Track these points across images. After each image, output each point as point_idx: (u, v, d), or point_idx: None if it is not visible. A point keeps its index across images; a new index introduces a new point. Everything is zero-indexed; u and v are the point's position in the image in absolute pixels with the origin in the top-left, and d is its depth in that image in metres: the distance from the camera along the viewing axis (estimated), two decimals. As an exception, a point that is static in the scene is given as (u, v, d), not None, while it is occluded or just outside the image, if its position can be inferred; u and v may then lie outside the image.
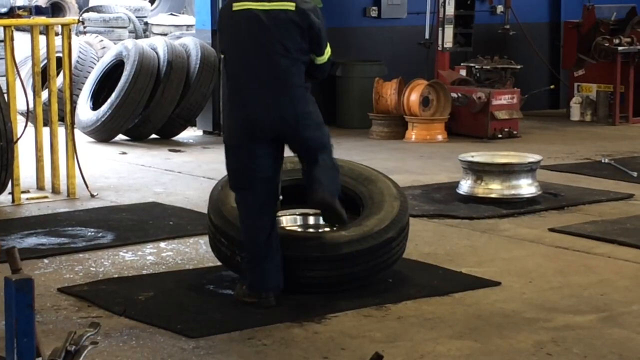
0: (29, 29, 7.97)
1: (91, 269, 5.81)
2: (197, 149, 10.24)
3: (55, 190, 7.87)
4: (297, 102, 5.15)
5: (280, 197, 5.33)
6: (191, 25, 13.70)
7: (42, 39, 7.94)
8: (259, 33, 5.12)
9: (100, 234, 6.56)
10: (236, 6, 5.18)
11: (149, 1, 16.61)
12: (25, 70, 10.43)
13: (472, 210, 7.19)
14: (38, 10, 8.01)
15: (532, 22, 12.82)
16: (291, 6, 5.11)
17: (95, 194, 7.81)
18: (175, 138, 10.80)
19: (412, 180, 8.36)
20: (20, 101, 8.25)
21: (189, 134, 11.12)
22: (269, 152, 5.16)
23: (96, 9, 14.74)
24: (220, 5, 10.93)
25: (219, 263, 5.60)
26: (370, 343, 4.58)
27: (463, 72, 11.30)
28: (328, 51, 5.32)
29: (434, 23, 11.41)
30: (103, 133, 10.46)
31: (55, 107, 7.83)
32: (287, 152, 5.29)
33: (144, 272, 5.77)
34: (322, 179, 5.16)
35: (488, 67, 11.03)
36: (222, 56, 5.69)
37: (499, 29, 12.01)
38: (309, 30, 5.14)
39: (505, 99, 10.78)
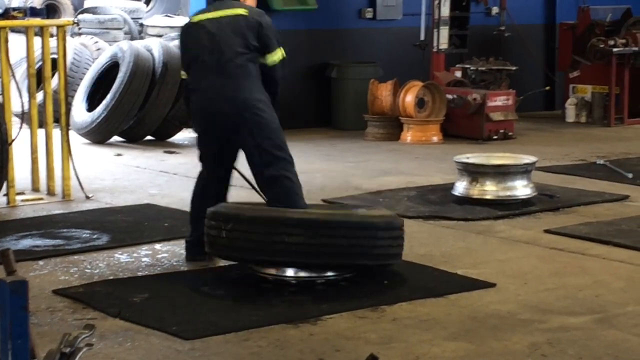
0: (24, 31, 7.96)
1: (86, 270, 5.81)
2: (192, 151, 10.21)
3: (50, 192, 7.86)
4: (250, 91, 5.78)
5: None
6: (186, 27, 13.68)
7: (37, 41, 7.94)
8: (216, 36, 5.85)
9: (96, 236, 6.55)
10: (196, 19, 6.01)
11: (144, 2, 16.60)
12: (20, 71, 10.43)
13: (467, 212, 7.19)
14: (33, 12, 7.96)
15: (527, 24, 12.84)
16: (244, 12, 5.90)
17: (90, 195, 7.81)
18: (170, 139, 10.79)
19: (407, 182, 8.36)
20: (15, 103, 8.24)
21: (184, 135, 11.10)
22: (222, 138, 5.82)
23: (91, 11, 14.74)
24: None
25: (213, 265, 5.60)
26: (365, 344, 4.58)
27: (458, 74, 11.31)
28: (280, 52, 5.92)
29: (429, 24, 11.42)
30: (98, 135, 10.46)
31: (50, 108, 7.82)
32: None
33: (139, 273, 5.76)
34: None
35: (483, 68, 11.04)
36: (183, 74, 5.99)
37: (494, 31, 12.03)
38: (259, 29, 5.85)
39: (500, 101, 10.79)
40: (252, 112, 5.74)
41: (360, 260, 5.36)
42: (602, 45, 11.86)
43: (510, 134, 10.84)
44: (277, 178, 5.73)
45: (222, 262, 5.78)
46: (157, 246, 6.34)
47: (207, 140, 5.94)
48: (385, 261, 5.50)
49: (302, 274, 5.45)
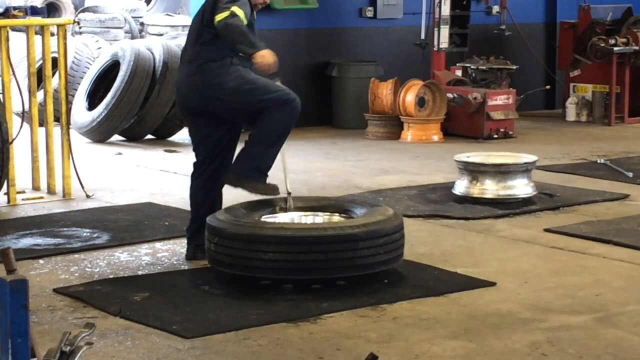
0: (25, 30, 7.96)
1: (87, 269, 5.81)
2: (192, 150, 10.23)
3: (50, 191, 7.86)
4: (208, 74, 5.80)
5: None
6: (187, 26, 13.69)
7: (37, 40, 7.94)
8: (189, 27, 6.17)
9: (96, 235, 6.56)
10: None
11: (145, 1, 16.60)
12: (21, 70, 10.43)
13: (467, 211, 7.19)
14: (33, 11, 7.96)
15: (528, 23, 12.83)
16: None
17: (90, 194, 7.81)
18: (170, 139, 10.80)
19: (407, 181, 8.36)
20: (16, 102, 8.24)
21: (185, 134, 11.08)
22: (201, 123, 5.93)
23: (92, 10, 14.74)
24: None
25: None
26: (365, 343, 4.58)
27: (459, 73, 11.31)
28: (227, 12, 5.66)
29: (430, 23, 11.42)
30: (99, 133, 10.46)
31: (50, 107, 7.82)
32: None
33: (140, 272, 5.77)
34: (239, 156, 5.88)
35: (484, 67, 11.04)
36: None
37: (494, 30, 12.02)
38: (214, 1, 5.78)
39: (500, 100, 10.78)
40: (217, 98, 5.81)
41: (341, 273, 5.34)
42: (602, 44, 11.86)
43: (510, 133, 10.84)
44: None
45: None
46: (158, 245, 6.34)
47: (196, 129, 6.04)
48: (372, 270, 5.42)
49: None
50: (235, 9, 5.74)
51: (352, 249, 5.30)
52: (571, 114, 12.20)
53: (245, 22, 5.85)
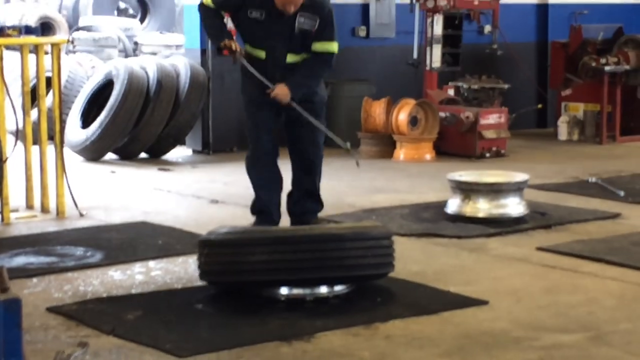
0: (19, 48, 7.98)
1: (80, 288, 5.81)
2: (186, 168, 10.25)
3: (44, 209, 7.86)
4: None
5: None
6: (181, 45, 13.71)
7: (31, 58, 7.95)
8: None
9: (89, 253, 6.56)
10: None
11: (139, 20, 16.62)
12: (15, 89, 10.43)
13: (460, 229, 7.21)
14: (28, 30, 7.98)
15: (520, 42, 12.89)
16: None
17: (84, 213, 7.81)
18: (164, 157, 10.81)
19: (400, 199, 8.38)
20: (10, 120, 8.24)
21: (179, 153, 11.13)
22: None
23: (86, 29, 14.75)
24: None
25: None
26: (358, 362, 4.59)
27: (451, 92, 11.35)
28: None
29: (422, 43, 11.47)
30: (92, 152, 10.47)
31: (44, 126, 7.83)
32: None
33: (133, 291, 5.77)
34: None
35: (476, 86, 11.08)
36: None
37: (486, 49, 12.07)
38: None
39: (493, 118, 10.82)
40: None
41: (329, 272, 5.37)
42: (594, 64, 11.92)
43: (502, 151, 10.87)
44: None
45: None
46: (151, 264, 6.34)
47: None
48: (362, 272, 5.45)
49: (294, 291, 5.47)
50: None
51: (340, 249, 5.32)
52: (563, 132, 12.24)
53: (210, 4, 6.35)
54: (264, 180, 6.86)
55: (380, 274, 5.56)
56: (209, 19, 6.61)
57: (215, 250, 5.42)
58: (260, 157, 6.85)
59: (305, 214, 6.75)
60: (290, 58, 6.52)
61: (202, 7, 6.63)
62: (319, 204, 6.95)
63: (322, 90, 6.80)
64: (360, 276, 5.48)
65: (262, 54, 6.61)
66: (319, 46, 6.41)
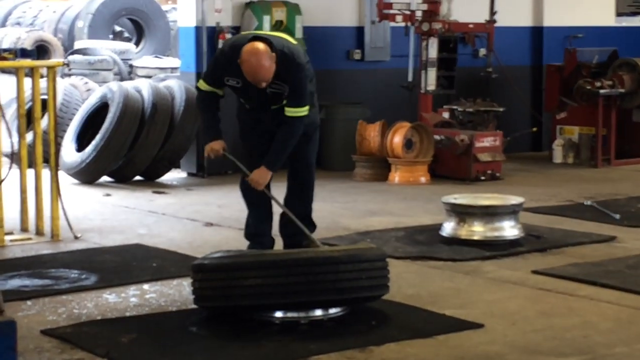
0: (15, 71, 7.99)
1: (74, 310, 5.80)
2: (181, 191, 10.25)
3: (39, 232, 7.85)
4: None
5: None
6: (176, 68, 13.74)
7: (27, 81, 7.96)
8: None
9: (84, 276, 6.55)
10: None
11: (134, 44, 16.66)
12: (10, 112, 10.44)
13: (455, 252, 7.21)
14: (23, 53, 8.00)
15: (515, 65, 12.94)
16: None
17: (79, 235, 7.80)
18: (159, 180, 10.81)
19: (395, 222, 8.38)
20: (5, 143, 8.25)
21: (173, 175, 11.13)
22: None
23: (81, 52, 14.78)
24: (205, 49, 11.00)
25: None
26: (353, 385, 4.57)
27: (446, 115, 11.37)
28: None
29: (417, 66, 11.50)
30: (87, 175, 10.47)
31: (39, 149, 7.83)
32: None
33: (127, 314, 5.76)
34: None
35: (471, 109, 11.10)
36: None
37: (481, 72, 12.11)
38: None
39: (488, 142, 10.84)
40: None
41: (323, 296, 5.35)
42: (589, 87, 11.95)
43: (497, 174, 10.89)
44: None
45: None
46: (146, 286, 6.33)
47: None
48: (356, 294, 5.42)
49: (289, 314, 5.46)
50: (199, 82, 6.71)
51: (333, 272, 5.31)
52: (558, 156, 12.27)
53: (206, 87, 6.68)
54: (255, 204, 6.88)
55: (375, 295, 5.55)
56: (203, 113, 6.92)
57: (208, 275, 5.41)
58: (243, 187, 6.91)
59: (296, 235, 6.75)
60: (274, 106, 6.63)
61: (198, 93, 6.89)
62: (311, 226, 6.96)
63: (314, 113, 6.84)
64: (355, 298, 5.47)
65: (248, 105, 6.79)
66: (289, 110, 6.54)
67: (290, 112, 6.58)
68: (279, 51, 6.42)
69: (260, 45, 6.37)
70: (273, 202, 6.75)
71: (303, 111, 6.61)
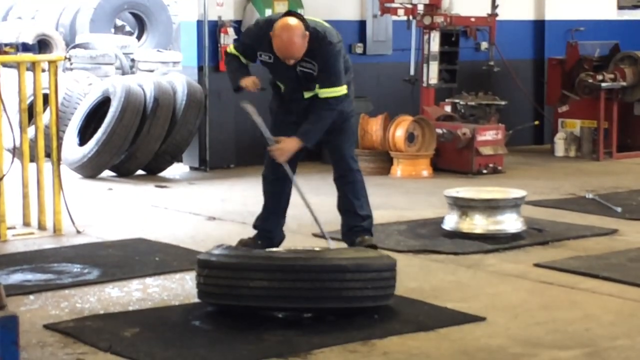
0: (16, 66, 7.99)
1: (77, 305, 5.80)
2: (183, 185, 10.26)
3: (41, 227, 7.86)
4: None
5: None
6: (178, 62, 13.74)
7: (29, 76, 7.96)
8: None
9: (86, 270, 6.55)
10: None
11: (136, 38, 16.66)
12: (12, 106, 10.44)
13: (457, 246, 7.21)
14: (25, 47, 8.03)
15: (517, 59, 12.93)
16: None
17: (81, 230, 7.81)
18: (161, 174, 10.81)
19: (397, 216, 8.38)
20: (7, 138, 8.25)
21: (176, 170, 11.13)
22: None
23: (83, 46, 14.77)
24: (206, 43, 10.99)
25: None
26: (355, 379, 4.58)
27: (448, 108, 11.37)
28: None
29: (419, 59, 11.49)
30: (89, 169, 10.47)
31: (41, 143, 7.84)
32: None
33: (130, 308, 5.76)
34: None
35: (473, 103, 11.10)
36: None
37: (483, 66, 12.11)
38: None
39: (489, 135, 10.84)
40: None
41: (328, 303, 5.34)
42: (590, 80, 11.95)
43: (499, 168, 10.89)
44: None
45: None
46: (148, 280, 6.34)
47: None
48: (360, 304, 5.41)
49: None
50: (229, 47, 6.59)
51: (340, 280, 5.30)
52: (560, 149, 12.27)
53: (234, 52, 6.58)
54: (272, 195, 6.83)
55: (378, 305, 5.54)
56: (228, 65, 6.77)
57: (214, 272, 5.40)
58: (266, 176, 6.86)
59: (351, 230, 6.78)
60: (307, 94, 6.53)
61: (226, 56, 6.84)
62: (362, 220, 6.83)
63: (347, 105, 6.70)
64: (358, 308, 5.45)
65: (281, 87, 6.67)
66: (323, 92, 6.43)
67: (325, 92, 6.40)
68: (312, 29, 6.32)
69: (294, 21, 6.26)
70: (293, 190, 6.67)
71: (338, 91, 6.42)
